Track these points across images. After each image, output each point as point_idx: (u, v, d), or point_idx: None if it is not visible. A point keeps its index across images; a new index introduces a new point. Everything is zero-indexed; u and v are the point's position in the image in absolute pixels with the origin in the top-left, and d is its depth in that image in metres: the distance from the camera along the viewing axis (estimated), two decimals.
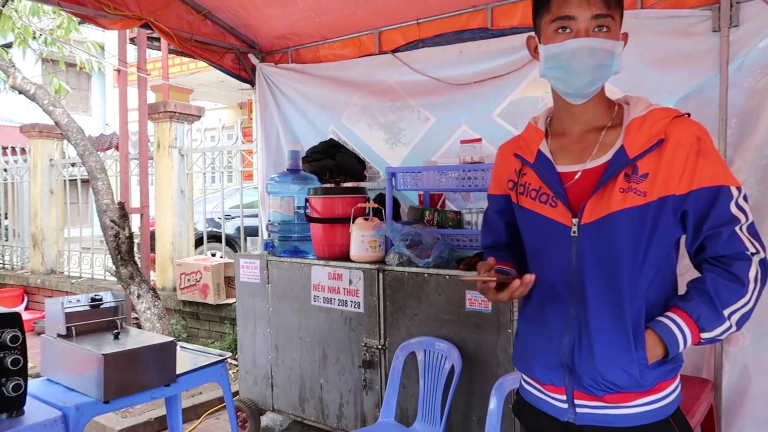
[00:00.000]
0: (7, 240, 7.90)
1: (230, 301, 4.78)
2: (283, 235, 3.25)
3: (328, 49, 3.85)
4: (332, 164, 3.41)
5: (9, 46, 7.49)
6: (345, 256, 2.96)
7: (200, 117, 5.55)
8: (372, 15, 3.56)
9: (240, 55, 4.18)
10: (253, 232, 5.91)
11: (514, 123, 3.06)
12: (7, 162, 7.54)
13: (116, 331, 2.56)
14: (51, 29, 6.69)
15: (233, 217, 7.24)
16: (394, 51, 3.58)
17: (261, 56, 4.19)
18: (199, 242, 6.68)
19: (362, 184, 3.30)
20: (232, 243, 7.38)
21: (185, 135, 5.45)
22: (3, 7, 5.23)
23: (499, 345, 2.42)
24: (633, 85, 2.43)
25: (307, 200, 3.07)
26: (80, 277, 6.42)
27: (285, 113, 4.08)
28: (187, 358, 2.79)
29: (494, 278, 1.27)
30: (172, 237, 5.35)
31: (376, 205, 2.92)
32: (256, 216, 5.50)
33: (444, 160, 3.17)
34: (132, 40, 5.18)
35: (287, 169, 3.34)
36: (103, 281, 6.12)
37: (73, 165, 6.81)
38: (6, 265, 7.59)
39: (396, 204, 3.16)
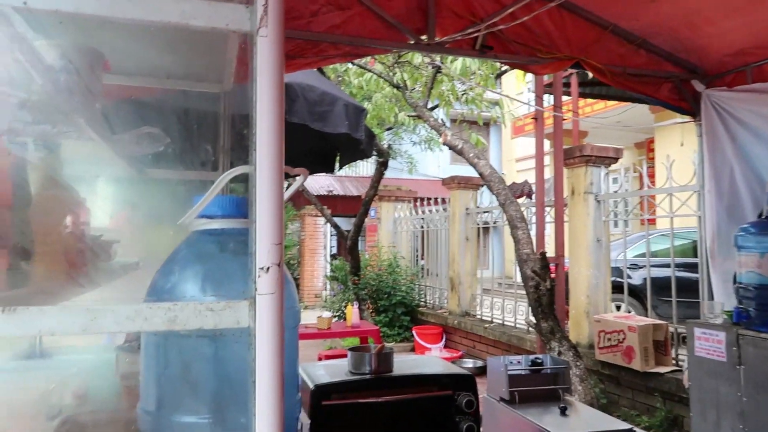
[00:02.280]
0: (423, 278, 8.90)
1: (661, 370, 4.07)
2: (765, 303, 2.47)
3: None
4: None
5: (434, 108, 8.54)
6: None
7: (618, 159, 5.08)
8: None
9: (679, 84, 3.58)
10: (664, 284, 5.16)
11: None
12: (424, 212, 8.56)
13: (562, 405, 2.25)
14: (468, 90, 7.30)
15: (639, 267, 6.58)
16: None
17: (706, 81, 3.50)
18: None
19: None
20: (638, 296, 6.67)
21: (601, 179, 5.06)
22: (438, 71, 5.86)
23: None
24: None
25: None
26: (492, 322, 6.61)
27: (743, 146, 3.26)
28: None
29: None
30: (587, 289, 4.96)
31: None
32: (665, 266, 4.74)
33: None
34: (547, 87, 5.13)
35: (766, 216, 2.56)
36: (514, 328, 6.14)
37: (485, 212, 7.19)
38: (427, 304, 8.48)
39: None
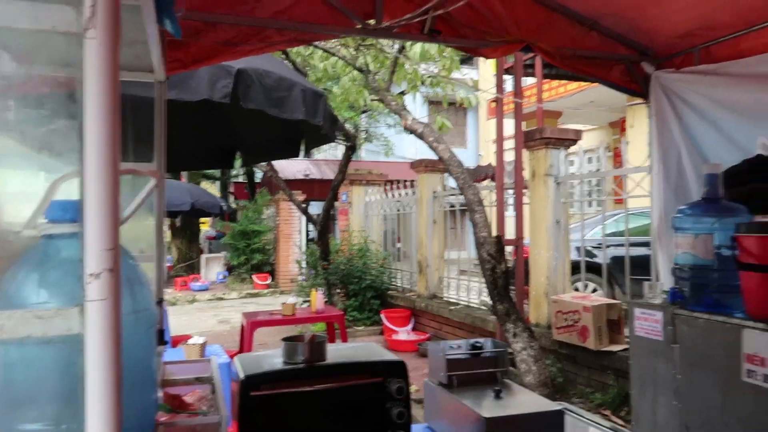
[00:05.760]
0: (398, 262, 8.93)
1: (615, 348, 4.15)
2: (698, 283, 2.52)
3: (756, 39, 2.94)
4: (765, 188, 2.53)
5: (403, 93, 8.50)
6: None
7: (577, 141, 5.12)
8: None
9: (630, 66, 3.60)
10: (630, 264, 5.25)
11: None
12: (395, 195, 8.56)
13: (497, 388, 2.29)
14: (435, 74, 7.28)
15: (608, 246, 6.67)
16: None
17: (656, 63, 3.52)
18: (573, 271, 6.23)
19: None
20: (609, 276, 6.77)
21: (560, 162, 5.09)
22: (399, 54, 5.82)
23: None
24: None
25: (734, 239, 2.29)
26: (458, 304, 6.68)
27: (689, 127, 3.30)
28: (577, 428, 2.34)
29: None
30: (547, 270, 5.02)
31: None
32: (634, 246, 4.84)
33: None
34: (508, 70, 5.13)
35: (702, 198, 2.59)
36: (478, 310, 6.20)
37: (453, 195, 7.21)
38: (398, 287, 8.52)
39: None
